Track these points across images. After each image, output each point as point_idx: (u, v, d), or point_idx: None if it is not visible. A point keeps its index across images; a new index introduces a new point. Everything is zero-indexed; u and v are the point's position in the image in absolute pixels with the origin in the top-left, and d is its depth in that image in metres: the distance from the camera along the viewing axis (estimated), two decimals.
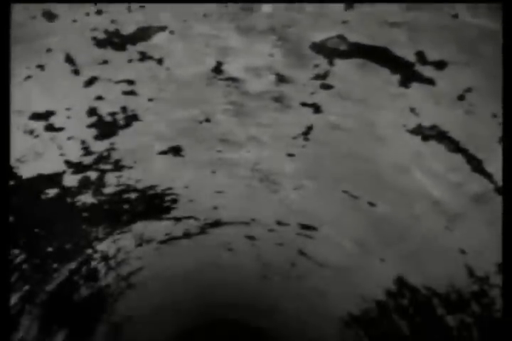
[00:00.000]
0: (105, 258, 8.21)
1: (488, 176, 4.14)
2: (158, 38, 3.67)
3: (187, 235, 8.20)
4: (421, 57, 3.51)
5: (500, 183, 4.05)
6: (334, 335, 10.82)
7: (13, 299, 6.88)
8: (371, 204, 5.81)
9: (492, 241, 4.50)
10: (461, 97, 3.66)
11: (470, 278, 5.25)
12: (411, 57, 3.54)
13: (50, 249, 6.67)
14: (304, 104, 4.42)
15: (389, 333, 8.05)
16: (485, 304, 5.24)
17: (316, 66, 3.87)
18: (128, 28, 3.53)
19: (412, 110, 4.06)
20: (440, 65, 3.53)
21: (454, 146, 4.15)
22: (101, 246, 7.69)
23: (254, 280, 10.92)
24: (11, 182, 4.89)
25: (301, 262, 8.66)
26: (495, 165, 3.98)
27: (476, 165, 4.15)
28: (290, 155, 5.38)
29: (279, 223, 7.37)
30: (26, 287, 6.96)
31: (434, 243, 5.56)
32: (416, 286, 6.46)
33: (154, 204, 6.83)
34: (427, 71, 3.62)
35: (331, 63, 3.82)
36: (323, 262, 8.16)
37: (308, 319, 11.90)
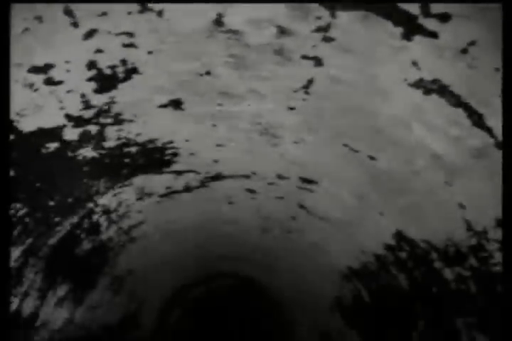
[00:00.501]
0: (106, 211, 8.27)
1: (489, 131, 4.13)
2: None
3: (187, 189, 8.24)
4: (425, 9, 3.46)
5: (500, 138, 4.05)
6: (333, 288, 10.98)
7: (17, 252, 6.96)
8: (371, 158, 5.82)
9: (491, 195, 4.52)
10: (464, 51, 3.62)
11: (468, 233, 5.30)
12: (415, 10, 3.49)
13: (51, 203, 6.71)
14: (305, 57, 4.38)
15: (388, 286, 8.16)
16: (482, 258, 5.30)
17: (318, 18, 3.82)
18: None
19: (414, 64, 4.02)
20: (444, 18, 3.47)
21: (455, 100, 4.13)
22: (102, 200, 7.74)
23: (254, 233, 11.02)
24: (11, 137, 4.89)
25: (301, 216, 8.73)
26: (495, 120, 3.96)
27: (477, 119, 4.14)
28: (291, 108, 5.36)
29: (279, 176, 7.39)
30: (29, 240, 7.03)
31: (433, 197, 5.59)
32: (415, 240, 6.53)
33: (155, 157, 6.84)
34: (431, 24, 3.57)
35: (333, 15, 3.76)
36: (323, 216, 8.22)
37: (308, 272, 12.05)
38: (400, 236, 6.80)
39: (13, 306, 7.67)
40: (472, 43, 3.53)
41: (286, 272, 13.91)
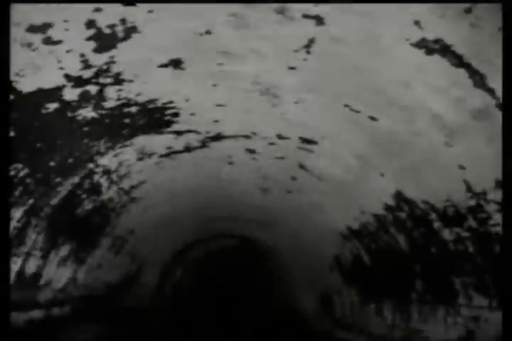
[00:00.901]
0: (107, 172, 8.28)
1: (490, 91, 4.11)
2: None
3: (188, 149, 8.23)
4: None
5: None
6: (333, 248, 11.08)
7: (19, 213, 6.99)
8: (372, 118, 5.80)
9: (491, 157, 4.53)
10: (467, 10, 3.58)
11: (468, 194, 5.32)
12: None
13: (52, 164, 6.71)
14: (306, 16, 4.32)
15: (387, 246, 8.23)
16: (481, 219, 5.34)
17: None
18: None
19: (417, 23, 3.97)
20: None
21: (458, 61, 4.10)
22: (103, 161, 7.74)
23: (254, 193, 11.06)
24: (11, 97, 4.87)
25: (301, 176, 8.74)
26: (497, 81, 3.94)
27: (479, 80, 4.12)
28: (291, 68, 5.31)
29: (279, 137, 7.37)
30: (31, 201, 7.06)
31: (433, 158, 5.60)
32: (414, 201, 6.56)
33: (155, 118, 6.81)
34: None
35: None
36: (323, 176, 8.24)
37: (308, 232, 12.13)
38: (399, 196, 6.83)
39: (16, 266, 7.75)
40: (475, 1, 3.48)
41: (286, 232, 14.00)
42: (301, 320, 16.81)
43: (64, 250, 9.35)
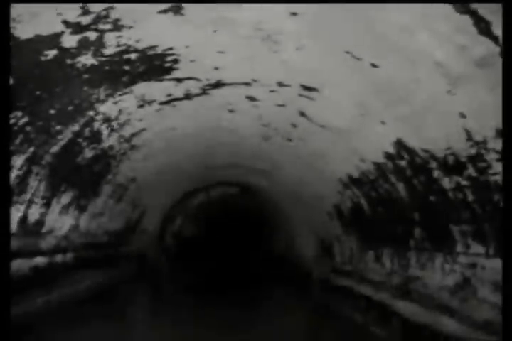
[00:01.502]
0: (107, 120, 8.26)
1: (495, 39, 4.05)
2: None
3: (188, 96, 8.16)
4: None
5: None
6: (333, 196, 11.13)
7: (20, 161, 7.01)
8: (374, 65, 5.73)
9: (493, 105, 4.49)
10: None
11: (468, 142, 5.30)
12: None
13: (52, 112, 6.69)
14: None
15: (386, 195, 8.27)
16: (481, 168, 5.34)
17: None
18: None
19: None
20: None
21: (463, 7, 4.01)
22: (103, 108, 7.71)
23: (254, 141, 11.04)
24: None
25: (301, 124, 8.70)
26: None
27: (484, 27, 4.04)
28: (293, 14, 5.22)
29: (280, 84, 7.29)
30: (31, 149, 7.07)
31: (434, 106, 5.56)
32: (414, 149, 6.55)
33: (155, 65, 6.74)
34: None
35: None
36: (323, 124, 8.21)
37: (308, 180, 12.15)
38: (399, 144, 6.82)
39: (19, 214, 7.82)
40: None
41: (287, 180, 14.03)
42: (300, 267, 17.01)
43: (65, 198, 9.42)
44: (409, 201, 7.57)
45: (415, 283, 7.92)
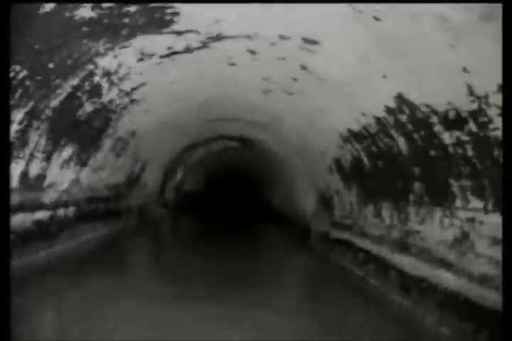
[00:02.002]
0: (107, 73, 8.19)
1: None
2: None
3: (188, 49, 8.07)
4: None
5: None
6: (333, 150, 11.13)
7: (20, 115, 6.99)
8: (376, 18, 5.65)
9: (496, 60, 4.44)
10: None
11: (470, 97, 5.28)
12: None
13: (51, 65, 6.63)
14: None
15: (386, 149, 8.27)
16: (482, 123, 5.32)
17: None
18: None
19: None
20: None
21: None
22: (102, 62, 7.64)
23: (254, 95, 10.98)
24: None
25: (302, 77, 8.63)
26: None
27: None
28: None
29: (281, 37, 7.19)
30: (31, 103, 7.04)
31: (437, 60, 5.50)
32: (415, 103, 6.52)
33: (155, 17, 6.64)
34: None
35: None
36: (324, 77, 8.14)
37: (308, 133, 12.13)
38: (401, 98, 6.78)
39: (20, 168, 7.84)
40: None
41: (287, 134, 14.01)
42: (300, 221, 17.14)
43: (66, 152, 9.43)
44: (409, 156, 7.58)
45: (414, 237, 8.00)
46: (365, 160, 9.57)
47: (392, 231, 9.01)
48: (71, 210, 10.97)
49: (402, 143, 7.61)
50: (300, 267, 11.78)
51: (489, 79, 4.79)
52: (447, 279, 6.72)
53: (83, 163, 10.79)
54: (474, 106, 5.28)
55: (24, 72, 6.24)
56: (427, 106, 6.25)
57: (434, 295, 6.97)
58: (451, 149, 6.22)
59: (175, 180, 23.87)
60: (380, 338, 6.21)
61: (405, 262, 8.15)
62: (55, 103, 7.72)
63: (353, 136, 9.48)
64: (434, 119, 6.28)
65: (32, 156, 8.05)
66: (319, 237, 14.22)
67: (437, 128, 6.32)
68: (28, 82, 6.49)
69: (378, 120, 7.92)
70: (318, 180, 14.16)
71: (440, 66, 5.50)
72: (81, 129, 9.47)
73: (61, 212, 10.36)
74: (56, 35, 6.06)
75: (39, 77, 6.61)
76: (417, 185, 7.70)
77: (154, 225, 18.82)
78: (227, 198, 37.09)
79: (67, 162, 9.72)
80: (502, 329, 3.71)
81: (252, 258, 11.89)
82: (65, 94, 7.76)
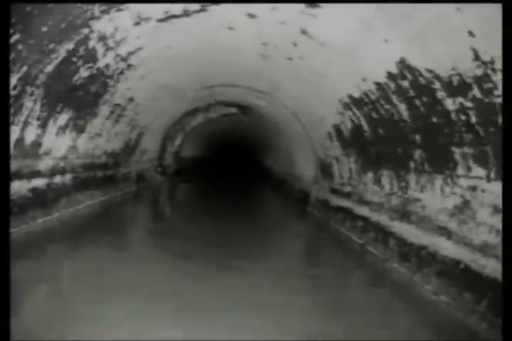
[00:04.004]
0: (103, 37, 8.00)
1: None
2: None
3: (186, 13, 7.88)
4: None
5: None
6: (332, 116, 11.01)
7: (13, 80, 6.83)
8: None
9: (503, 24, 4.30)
10: None
11: (475, 62, 5.14)
12: None
13: (44, 29, 6.45)
14: None
15: (387, 115, 8.15)
16: (487, 89, 5.20)
17: None
18: None
19: None
20: None
21: None
22: (97, 25, 7.45)
23: (253, 60, 10.79)
24: None
25: (302, 42, 8.44)
26: None
27: None
28: None
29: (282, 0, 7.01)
30: (24, 68, 6.87)
31: (442, 24, 5.34)
32: (418, 69, 6.38)
33: None
34: None
35: None
36: (325, 42, 7.96)
37: (308, 100, 12.00)
38: (403, 64, 6.63)
39: (15, 135, 7.72)
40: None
41: (286, 100, 13.87)
42: (299, 187, 17.11)
43: (62, 118, 9.29)
44: (410, 122, 7.47)
45: (414, 205, 7.94)
46: (365, 126, 9.46)
47: (391, 198, 8.96)
48: (68, 177, 10.88)
49: (403, 109, 7.49)
50: (298, 233, 11.70)
51: (495, 44, 4.64)
52: (447, 247, 6.68)
53: (80, 130, 10.66)
54: (479, 71, 5.15)
55: (16, 36, 6.06)
56: (430, 71, 6.11)
57: (433, 263, 6.93)
58: (453, 116, 6.10)
59: (174, 146, 23.75)
60: (379, 306, 6.16)
61: (405, 230, 8.12)
62: (49, 68, 7.55)
63: (354, 102, 9.35)
64: (437, 85, 6.14)
65: (27, 123, 7.91)
66: (318, 204, 14.20)
67: (440, 94, 6.19)
68: (20, 46, 6.31)
69: (379, 85, 7.78)
70: (317, 147, 14.07)
71: (445, 30, 5.34)
72: (77, 95, 9.31)
73: (58, 179, 10.26)
74: None
75: (32, 41, 6.42)
76: (417, 153, 7.61)
77: (153, 192, 18.74)
78: (226, 164, 37.09)
79: (63, 128, 9.59)
80: (503, 297, 3.67)
81: (251, 225, 11.83)
82: (59, 59, 7.58)
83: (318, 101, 11.37)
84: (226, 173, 32.26)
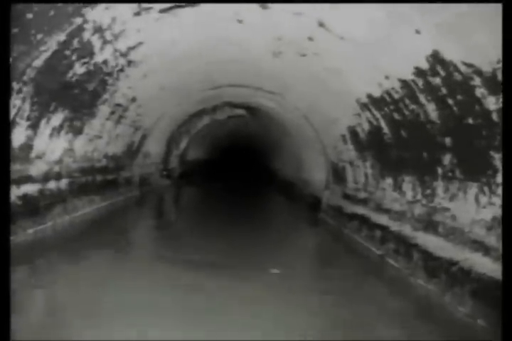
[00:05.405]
0: (99, 29, 7.27)
1: None
2: None
3: (191, 2, 7.14)
4: None
5: None
6: (349, 118, 10.33)
7: None
8: None
9: None
10: None
11: None
12: None
13: (29, 16, 5.67)
14: None
15: (412, 116, 7.42)
16: None
17: None
18: None
19: None
20: None
21: None
22: (92, 15, 6.70)
23: (265, 57, 10.08)
24: None
25: (319, 36, 7.71)
26: None
27: None
28: None
29: None
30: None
31: (485, 8, 4.58)
32: (454, 63, 5.63)
33: None
34: None
35: None
36: (344, 35, 7.24)
37: (321, 100, 11.38)
38: (436, 57, 5.89)
39: None
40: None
41: (297, 101, 13.26)
42: (310, 192, 16.52)
43: (56, 119, 8.58)
44: (440, 124, 6.72)
45: (442, 215, 7.21)
46: (386, 128, 8.74)
47: (414, 207, 8.24)
48: (64, 182, 10.14)
49: (431, 109, 6.75)
50: (312, 242, 11.04)
51: None
52: (484, 264, 5.92)
53: (77, 131, 9.94)
54: None
55: None
56: (469, 65, 5.35)
57: (467, 281, 6.18)
58: (495, 116, 5.35)
59: (179, 149, 23.16)
60: (407, 328, 5.44)
61: (431, 242, 7.40)
62: (39, 62, 6.80)
63: (373, 102, 8.63)
64: (477, 81, 5.39)
65: (14, 123, 7.15)
66: (331, 210, 13.53)
67: (480, 91, 5.44)
68: None
69: (405, 83, 7.04)
70: (329, 150, 13.46)
71: (490, 16, 4.57)
72: (73, 93, 8.58)
73: (52, 184, 9.52)
74: None
75: (15, 30, 5.64)
76: (447, 157, 6.87)
77: (157, 197, 18.07)
78: (233, 167, 36.57)
79: (58, 130, 8.86)
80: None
81: (260, 233, 11.13)
82: (50, 52, 6.81)
83: (332, 101, 10.69)
84: (232, 176, 31.68)
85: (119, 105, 11.37)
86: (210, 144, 31.76)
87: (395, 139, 8.53)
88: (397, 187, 8.97)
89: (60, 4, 5.82)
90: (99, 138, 11.53)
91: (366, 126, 9.68)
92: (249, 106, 18.44)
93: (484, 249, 6.01)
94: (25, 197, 8.29)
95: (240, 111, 20.45)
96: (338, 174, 13.10)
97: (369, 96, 8.60)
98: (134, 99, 11.95)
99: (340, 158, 12.49)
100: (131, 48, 8.67)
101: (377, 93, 8.21)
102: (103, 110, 10.74)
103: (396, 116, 8.00)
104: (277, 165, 26.99)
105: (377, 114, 8.77)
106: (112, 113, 11.41)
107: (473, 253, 6.20)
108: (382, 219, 9.54)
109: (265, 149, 30.73)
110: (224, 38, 9.17)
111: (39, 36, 6.23)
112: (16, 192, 7.95)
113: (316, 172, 15.74)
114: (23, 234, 8.00)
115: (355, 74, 8.37)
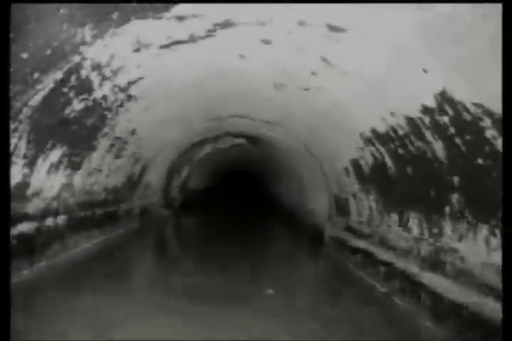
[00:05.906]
0: (97, 66, 7.13)
1: None
2: None
3: (192, 38, 7.03)
4: None
5: None
6: (352, 151, 10.15)
7: None
8: None
9: None
10: None
11: None
12: None
13: (25, 56, 5.52)
14: None
15: (418, 153, 7.23)
16: None
17: None
18: None
19: None
20: None
21: None
22: (90, 52, 6.56)
23: (267, 90, 9.97)
24: None
25: (322, 70, 7.58)
26: None
27: None
28: None
29: (300, 23, 6.09)
30: None
31: (498, 47, 4.40)
32: (463, 102, 5.45)
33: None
34: None
35: None
36: (348, 70, 7.09)
37: (323, 133, 11.23)
38: (444, 96, 5.71)
39: None
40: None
41: (299, 132, 13.12)
42: (311, 224, 16.29)
43: (54, 155, 8.40)
44: (447, 162, 6.52)
45: (450, 256, 6.97)
46: (390, 163, 8.53)
47: (421, 244, 7.99)
48: (61, 218, 9.91)
49: (439, 147, 6.55)
50: (315, 277, 10.80)
51: None
52: (497, 311, 5.67)
53: (76, 166, 9.76)
54: None
55: None
56: (479, 106, 5.17)
57: (478, 326, 5.93)
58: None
59: (180, 178, 23.02)
60: None
61: (439, 283, 7.15)
62: (35, 100, 6.64)
63: (377, 137, 8.45)
64: (487, 122, 5.20)
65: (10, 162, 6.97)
66: (333, 243, 13.29)
67: (490, 132, 5.25)
68: None
69: (411, 120, 6.86)
70: (332, 183, 13.23)
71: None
72: (71, 129, 8.41)
73: (50, 221, 9.29)
74: (28, 18, 4.98)
75: (10, 69, 5.47)
76: (455, 197, 6.65)
77: (157, 229, 17.81)
78: (234, 196, 36.41)
79: (55, 166, 8.67)
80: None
81: (261, 270, 10.84)
82: (46, 90, 6.66)
83: (334, 134, 10.54)
84: (234, 205, 31.46)
85: (118, 138, 11.22)
86: (212, 172, 31.70)
87: (400, 175, 8.33)
88: (403, 223, 8.74)
89: (56, 43, 5.67)
90: (98, 172, 11.36)
91: (370, 160, 9.49)
92: (251, 135, 18.33)
93: (496, 293, 5.77)
94: (20, 237, 8.05)
95: (242, 141, 20.38)
96: (341, 206, 12.88)
97: (373, 130, 8.42)
98: (133, 132, 11.81)
99: (343, 191, 12.27)
100: (131, 83, 8.54)
101: (381, 128, 8.03)
102: (103, 144, 10.58)
103: (401, 152, 7.81)
104: (279, 194, 26.83)
105: (382, 149, 8.58)
106: (112, 146, 11.25)
107: (484, 297, 5.97)
108: (387, 256, 9.28)
109: (268, 178, 30.67)
110: (225, 71, 9.05)
111: (35, 75, 6.07)
112: (11, 232, 7.72)
113: (319, 203, 15.52)
114: (17, 275, 7.74)
115: (359, 108, 8.22)
